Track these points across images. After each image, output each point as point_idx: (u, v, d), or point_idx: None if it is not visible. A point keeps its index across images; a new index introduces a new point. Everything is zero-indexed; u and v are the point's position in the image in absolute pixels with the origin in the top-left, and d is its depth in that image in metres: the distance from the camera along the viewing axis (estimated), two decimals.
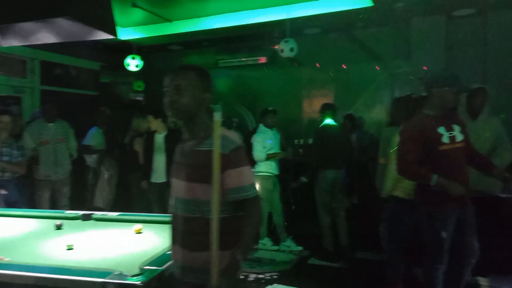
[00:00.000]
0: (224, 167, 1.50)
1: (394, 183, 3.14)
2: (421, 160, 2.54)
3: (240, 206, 1.58)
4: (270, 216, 4.63)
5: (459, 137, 2.57)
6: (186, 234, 1.61)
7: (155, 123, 4.41)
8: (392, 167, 2.95)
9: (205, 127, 1.63)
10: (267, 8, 5.56)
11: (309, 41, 6.17)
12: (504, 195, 3.27)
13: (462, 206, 2.56)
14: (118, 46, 6.41)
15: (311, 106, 6.81)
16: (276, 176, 4.61)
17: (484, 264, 3.35)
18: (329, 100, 6.83)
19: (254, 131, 5.28)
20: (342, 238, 4.44)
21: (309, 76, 6.83)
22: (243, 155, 1.60)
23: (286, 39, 5.29)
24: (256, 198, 1.59)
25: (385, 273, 3.25)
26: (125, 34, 6.20)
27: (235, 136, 1.63)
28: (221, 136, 1.48)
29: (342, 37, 6.33)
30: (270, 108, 4.67)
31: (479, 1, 4.75)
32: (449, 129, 2.56)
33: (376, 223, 4.04)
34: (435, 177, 2.44)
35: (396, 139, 2.89)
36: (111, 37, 3.30)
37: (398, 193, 3.13)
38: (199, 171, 1.56)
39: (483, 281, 3.34)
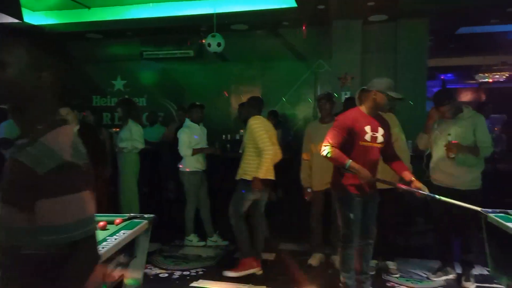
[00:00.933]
0: (36, 194, 1.03)
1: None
2: (344, 147, 2.88)
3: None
4: (197, 212, 4.60)
5: (380, 139, 2.91)
6: None
7: (70, 116, 4.09)
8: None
9: (36, 123, 1.12)
10: (195, 1, 5.48)
11: (236, 37, 6.22)
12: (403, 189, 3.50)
13: (367, 195, 2.94)
14: None
15: (239, 101, 6.90)
16: (204, 171, 4.59)
17: (392, 250, 3.71)
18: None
19: (181, 126, 5.18)
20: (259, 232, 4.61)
21: (237, 72, 6.89)
22: (72, 178, 1.07)
23: (213, 33, 5.27)
24: (87, 240, 1.10)
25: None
26: (37, 19, 5.67)
27: (76, 147, 1.12)
28: (49, 144, 1.06)
29: (269, 35, 6.49)
30: (197, 103, 4.62)
31: (391, 8, 5.16)
32: (374, 130, 2.89)
33: (299, 216, 4.23)
34: (349, 162, 2.80)
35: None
36: (16, 21, 2.98)
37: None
38: (2, 187, 1.09)
39: (391, 264, 3.67)
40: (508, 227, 2.12)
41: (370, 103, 2.90)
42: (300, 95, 6.64)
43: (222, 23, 5.43)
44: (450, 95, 3.45)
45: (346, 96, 5.44)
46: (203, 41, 5.44)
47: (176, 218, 4.79)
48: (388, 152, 3.01)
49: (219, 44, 5.26)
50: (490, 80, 8.73)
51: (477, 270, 3.51)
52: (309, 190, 3.85)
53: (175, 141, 4.63)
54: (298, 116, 6.66)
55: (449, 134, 3.27)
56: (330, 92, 4.46)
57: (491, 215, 2.37)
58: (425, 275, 3.58)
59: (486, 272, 3.54)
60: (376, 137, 2.90)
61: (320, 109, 3.91)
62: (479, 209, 2.50)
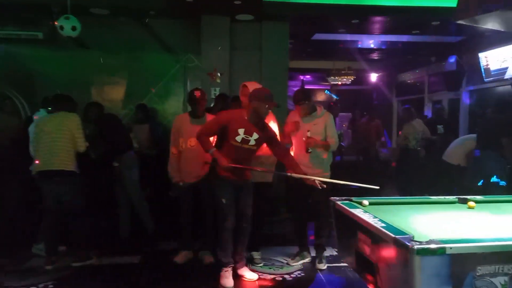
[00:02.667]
0: None
1: None
2: (219, 141, 3.31)
3: None
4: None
5: (252, 142, 3.24)
6: None
7: None
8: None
9: None
10: None
11: (97, 22, 5.66)
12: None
13: (238, 182, 3.30)
14: None
15: (101, 94, 6.32)
16: None
17: (257, 240, 3.88)
18: (120, 88, 6.52)
19: (30, 119, 4.51)
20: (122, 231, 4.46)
21: (98, 61, 6.28)
22: None
23: (67, 15, 4.68)
24: None
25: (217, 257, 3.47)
26: None
27: None
28: None
29: (135, 24, 6.09)
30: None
31: (255, 9, 5.40)
32: (248, 133, 3.21)
33: (172, 213, 4.10)
34: (212, 150, 3.21)
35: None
36: None
37: None
38: None
39: (256, 254, 3.85)
40: (352, 213, 2.41)
41: (250, 111, 3.22)
42: (170, 89, 6.45)
43: (78, 4, 4.87)
44: (307, 94, 3.81)
45: (215, 93, 5.49)
46: (56, 23, 4.78)
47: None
48: (277, 152, 3.40)
49: (73, 28, 4.68)
50: (339, 83, 9.96)
51: (327, 252, 3.96)
52: (181, 184, 3.75)
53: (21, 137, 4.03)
54: (168, 110, 6.46)
55: (308, 131, 3.62)
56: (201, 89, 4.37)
57: (338, 202, 2.67)
58: (285, 261, 3.88)
59: (335, 253, 4.01)
60: (248, 140, 3.21)
61: (195, 105, 3.79)
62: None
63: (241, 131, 3.19)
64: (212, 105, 4.83)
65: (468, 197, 2.94)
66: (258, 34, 5.98)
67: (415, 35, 6.66)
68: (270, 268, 3.72)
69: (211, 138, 3.35)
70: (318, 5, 5.20)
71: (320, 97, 12.17)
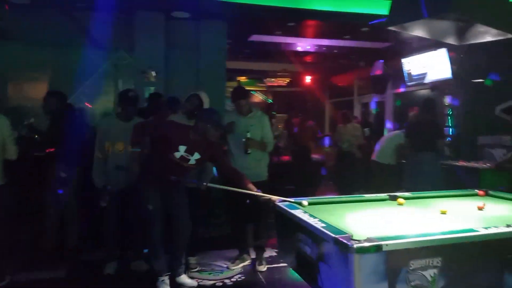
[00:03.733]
0: None
1: None
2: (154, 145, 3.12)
3: None
4: None
5: (192, 162, 3.09)
6: None
7: None
8: None
9: None
10: None
11: (16, 11, 5.12)
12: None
13: (166, 187, 3.15)
14: None
15: (20, 90, 5.74)
16: None
17: (193, 245, 3.76)
18: (42, 85, 5.97)
19: None
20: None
21: (19, 53, 5.70)
22: None
23: None
24: None
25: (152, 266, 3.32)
26: None
27: None
28: None
29: (60, 15, 5.60)
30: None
31: (192, 6, 5.26)
32: (189, 152, 3.05)
33: (97, 221, 3.80)
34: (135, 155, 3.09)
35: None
36: None
37: None
38: None
39: (192, 260, 3.73)
40: (293, 214, 2.42)
41: (196, 133, 3.07)
42: (99, 87, 6.05)
43: None
44: (245, 93, 3.81)
45: (151, 92, 5.24)
46: None
47: None
48: (224, 171, 3.27)
49: None
50: (275, 84, 10.15)
51: (267, 253, 3.97)
52: (108, 187, 3.50)
53: None
54: (97, 110, 6.05)
55: (248, 131, 3.59)
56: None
57: (279, 204, 2.67)
58: (225, 265, 3.81)
59: (274, 254, 4.04)
60: (188, 159, 3.06)
61: (126, 106, 3.56)
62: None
63: (182, 148, 3.03)
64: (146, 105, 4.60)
65: (398, 194, 3.13)
66: (196, 32, 5.85)
67: (346, 40, 6.98)
68: (209, 274, 3.63)
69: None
70: (254, 6, 5.22)
71: (257, 98, 12.29)
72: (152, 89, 5.45)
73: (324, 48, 7.80)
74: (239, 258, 3.83)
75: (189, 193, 3.38)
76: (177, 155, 3.03)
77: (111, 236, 3.60)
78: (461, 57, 6.24)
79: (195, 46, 5.84)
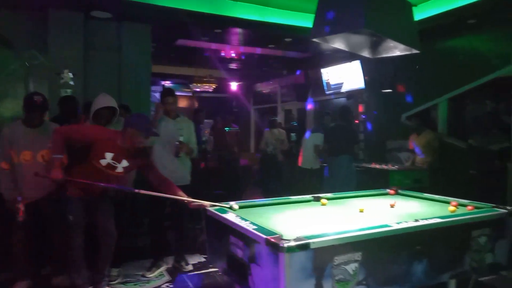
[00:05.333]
0: None
1: None
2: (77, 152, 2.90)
3: None
4: None
5: (119, 169, 2.95)
6: None
7: None
8: None
9: None
10: None
11: None
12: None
13: (87, 197, 3.00)
14: None
15: None
16: None
17: (117, 256, 3.58)
18: None
19: None
20: None
21: None
22: None
23: None
24: None
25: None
26: None
27: None
28: None
29: None
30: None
31: (113, 6, 5.03)
32: (117, 160, 2.91)
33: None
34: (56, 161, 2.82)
35: None
36: None
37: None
38: None
39: (114, 271, 3.54)
40: (224, 218, 2.44)
41: (125, 137, 2.91)
42: (7, 90, 5.45)
43: None
44: (173, 91, 3.86)
45: (62, 96, 4.86)
46: None
47: None
48: (152, 178, 3.04)
49: None
50: (202, 90, 10.11)
51: (195, 259, 3.94)
52: (19, 198, 3.14)
53: None
54: (4, 114, 5.44)
55: (181, 135, 3.63)
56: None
57: (210, 208, 2.67)
58: (146, 277, 3.65)
59: (203, 259, 4.01)
60: (115, 167, 2.92)
61: (32, 112, 3.23)
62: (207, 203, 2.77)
63: (108, 155, 2.88)
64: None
65: (321, 195, 3.32)
66: (117, 34, 5.59)
67: (270, 49, 7.23)
68: (135, 285, 3.47)
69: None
70: (180, 11, 5.17)
71: (183, 103, 12.12)
72: (68, 91, 5.08)
73: (249, 56, 7.99)
74: (155, 265, 3.74)
75: (114, 201, 3.23)
76: (103, 162, 2.87)
77: (20, 253, 3.24)
78: (372, 69, 6.86)
79: (117, 48, 5.58)
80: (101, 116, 3.34)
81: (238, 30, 6.02)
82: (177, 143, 3.60)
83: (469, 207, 2.85)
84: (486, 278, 3.52)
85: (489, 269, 2.84)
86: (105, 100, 3.37)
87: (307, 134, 6.09)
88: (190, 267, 3.76)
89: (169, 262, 3.87)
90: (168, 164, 3.54)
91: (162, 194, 2.89)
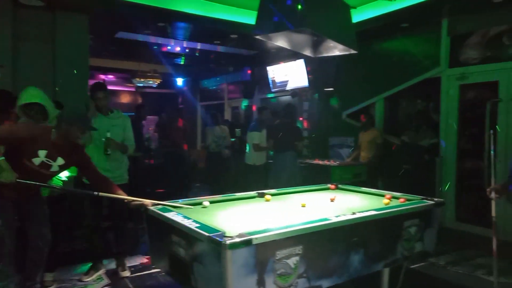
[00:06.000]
0: None
1: None
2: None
3: None
4: None
5: (55, 168, 2.77)
6: None
7: None
8: None
9: None
10: None
11: None
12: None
13: (19, 199, 2.79)
14: None
15: None
16: None
17: (52, 260, 3.37)
18: None
19: None
20: None
21: None
22: None
23: None
24: None
25: None
26: None
27: None
28: None
29: None
30: None
31: None
32: (51, 158, 2.72)
33: None
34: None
35: None
36: None
37: None
38: None
39: (49, 276, 3.33)
40: (166, 217, 2.38)
41: (59, 135, 2.74)
42: None
43: None
44: (103, 86, 3.71)
45: None
46: None
47: None
48: (90, 176, 2.94)
49: None
50: (145, 85, 9.78)
51: (136, 260, 3.81)
52: None
53: None
54: None
55: (108, 131, 3.44)
56: None
57: (151, 208, 2.59)
58: (83, 281, 3.48)
59: (145, 260, 3.89)
60: (49, 165, 2.73)
61: None
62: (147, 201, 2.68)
63: (42, 153, 2.67)
64: None
65: (265, 191, 3.37)
66: (51, 24, 5.22)
67: (216, 45, 7.18)
68: None
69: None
70: (119, 2, 4.95)
71: (125, 98, 11.65)
72: None
73: (195, 51, 7.87)
74: (93, 269, 3.58)
75: (49, 204, 3.02)
76: (36, 161, 2.67)
77: None
78: (315, 68, 7.07)
79: (51, 39, 5.21)
80: (27, 112, 3.08)
81: (183, 24, 5.90)
82: (104, 139, 3.44)
83: (401, 200, 3.04)
84: (416, 265, 3.80)
85: (418, 256, 3.06)
86: (29, 95, 3.12)
87: (249, 131, 6.14)
88: (127, 273, 3.60)
89: (108, 264, 3.71)
90: (101, 163, 3.37)
91: (121, 197, 2.75)
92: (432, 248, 3.05)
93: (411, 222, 2.80)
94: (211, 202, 3.01)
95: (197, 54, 8.09)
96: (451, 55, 5.23)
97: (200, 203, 2.92)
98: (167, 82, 10.98)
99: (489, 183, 3.07)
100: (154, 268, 3.60)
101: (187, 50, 7.80)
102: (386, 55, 6.06)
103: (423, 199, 3.06)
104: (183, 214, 2.40)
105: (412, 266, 3.74)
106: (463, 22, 5.06)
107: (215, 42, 6.95)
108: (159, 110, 9.64)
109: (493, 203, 2.84)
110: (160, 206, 2.63)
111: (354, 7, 5.37)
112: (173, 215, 2.37)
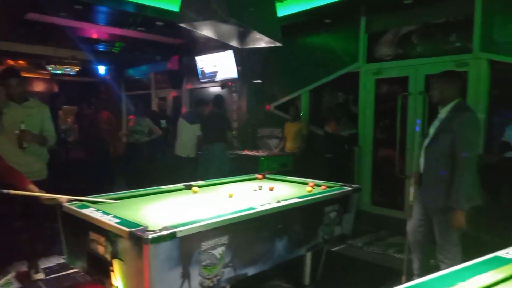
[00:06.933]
0: None
1: None
2: None
3: None
4: None
5: None
6: None
7: None
8: None
9: None
10: None
11: None
12: None
13: None
14: None
15: None
16: None
17: None
18: None
19: None
20: None
21: None
22: None
23: None
24: None
25: None
26: None
27: None
28: None
29: None
30: None
31: None
32: None
33: None
34: None
35: None
36: None
37: None
38: None
39: None
40: (82, 213, 2.23)
41: None
42: None
43: None
44: (16, 72, 3.37)
45: None
46: None
47: None
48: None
49: None
50: (62, 72, 9.00)
51: (52, 261, 3.55)
52: None
53: None
54: None
55: (22, 122, 3.13)
56: None
57: (67, 204, 2.41)
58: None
59: (62, 261, 3.62)
60: None
61: None
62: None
63: None
64: None
65: (193, 183, 3.32)
66: None
67: (141, 32, 6.85)
68: None
69: None
70: None
71: (38, 87, 10.64)
72: None
73: (118, 38, 7.43)
74: (2, 272, 3.27)
75: None
76: None
77: None
78: (244, 60, 7.11)
79: None
80: None
81: (103, 8, 5.52)
82: (17, 132, 3.10)
83: (323, 187, 3.20)
84: (336, 248, 4.05)
85: (338, 239, 3.26)
86: None
87: (182, 122, 6.00)
88: (40, 275, 3.33)
89: (20, 267, 3.40)
90: (13, 157, 3.06)
91: (31, 193, 2.47)
92: (350, 231, 3.27)
93: (331, 208, 2.97)
94: (135, 196, 2.90)
95: (120, 41, 7.66)
96: (369, 51, 5.59)
97: (124, 198, 2.79)
98: (87, 69, 10.25)
99: (400, 170, 3.34)
100: (72, 268, 3.37)
101: (109, 36, 7.34)
102: (311, 49, 6.30)
103: (342, 185, 3.25)
104: (103, 210, 2.27)
105: (332, 249, 3.97)
106: (378, 20, 5.43)
107: (140, 29, 6.64)
108: (80, 100, 8.97)
109: (411, 189, 3.08)
110: (77, 202, 2.46)
111: (280, 1, 5.52)
112: (90, 211, 2.23)
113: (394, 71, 5.33)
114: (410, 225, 2.98)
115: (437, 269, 2.03)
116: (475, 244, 2.96)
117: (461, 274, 1.35)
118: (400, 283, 1.49)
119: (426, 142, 2.85)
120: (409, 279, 2.95)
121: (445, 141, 2.65)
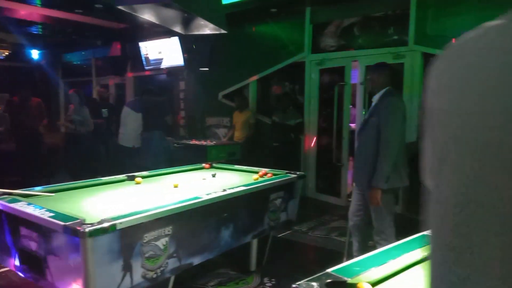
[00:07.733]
0: None
1: None
2: None
3: None
4: None
5: None
6: None
7: None
8: None
9: None
10: None
11: None
12: None
13: None
14: None
15: None
16: None
17: None
18: None
19: None
20: None
21: None
22: None
23: None
24: None
25: None
26: None
27: None
28: None
29: None
30: None
31: None
32: None
33: None
34: None
35: None
36: None
37: None
38: None
39: None
40: (11, 207, 2.07)
41: None
42: None
43: None
44: None
45: None
46: None
47: None
48: None
49: None
50: None
51: None
52: None
53: None
54: None
55: None
56: None
57: None
58: None
59: None
60: None
61: None
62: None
63: None
64: None
65: (136, 174, 3.22)
66: None
67: (78, 14, 6.43)
68: None
69: None
70: None
71: None
72: None
73: (52, 20, 6.91)
74: None
75: None
76: None
77: None
78: (192, 47, 6.95)
79: None
80: None
81: None
82: None
83: (269, 175, 3.25)
84: (282, 234, 4.15)
85: (283, 225, 3.34)
86: None
87: (127, 111, 5.76)
88: None
89: None
90: None
91: None
92: (295, 217, 3.36)
93: (276, 195, 3.03)
94: (74, 188, 2.75)
95: (56, 24, 7.13)
96: (313, 41, 5.71)
97: (61, 190, 2.64)
98: (18, 53, 9.46)
99: (338, 158, 3.48)
100: (2, 267, 3.14)
101: (42, 18, 6.80)
102: (259, 38, 6.30)
103: (287, 173, 3.32)
104: (36, 203, 2.13)
105: (278, 235, 4.07)
106: (322, 11, 5.56)
107: (76, 11, 6.23)
108: (10, 86, 8.27)
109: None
110: (7, 196, 2.28)
111: None
112: (21, 205, 2.08)
113: (334, 61, 5.50)
114: (350, 210, 3.13)
115: (374, 249, 2.15)
116: (410, 225, 3.18)
117: (391, 252, 1.44)
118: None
119: (358, 127, 3.00)
120: (350, 260, 3.11)
121: (373, 125, 2.79)
